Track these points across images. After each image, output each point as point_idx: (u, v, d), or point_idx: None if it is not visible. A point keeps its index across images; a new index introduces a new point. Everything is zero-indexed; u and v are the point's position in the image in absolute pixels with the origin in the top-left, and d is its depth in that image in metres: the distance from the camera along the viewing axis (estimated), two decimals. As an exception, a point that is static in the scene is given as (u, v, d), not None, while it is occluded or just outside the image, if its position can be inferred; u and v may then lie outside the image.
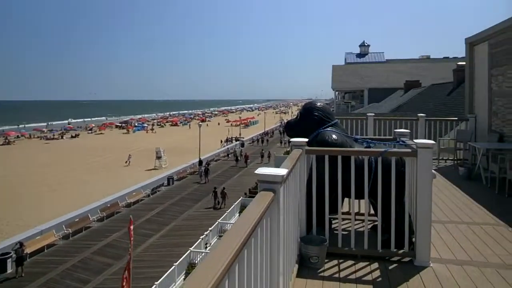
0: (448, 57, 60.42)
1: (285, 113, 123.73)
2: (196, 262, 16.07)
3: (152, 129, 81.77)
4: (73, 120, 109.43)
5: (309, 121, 4.30)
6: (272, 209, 2.26)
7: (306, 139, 3.92)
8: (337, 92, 51.67)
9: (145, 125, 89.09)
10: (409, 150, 3.70)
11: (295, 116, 4.62)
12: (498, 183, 6.37)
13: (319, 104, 4.41)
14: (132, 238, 13.06)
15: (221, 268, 1.31)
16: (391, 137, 5.10)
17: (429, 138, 9.37)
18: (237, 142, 56.09)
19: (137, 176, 34.85)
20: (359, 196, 3.94)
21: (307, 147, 3.82)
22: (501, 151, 7.04)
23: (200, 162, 36.57)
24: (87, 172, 38.05)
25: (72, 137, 70.15)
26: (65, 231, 20.97)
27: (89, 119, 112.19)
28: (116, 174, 36.87)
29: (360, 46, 68.10)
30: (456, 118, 9.75)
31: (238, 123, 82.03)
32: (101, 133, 77.45)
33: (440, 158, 9.22)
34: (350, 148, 4.13)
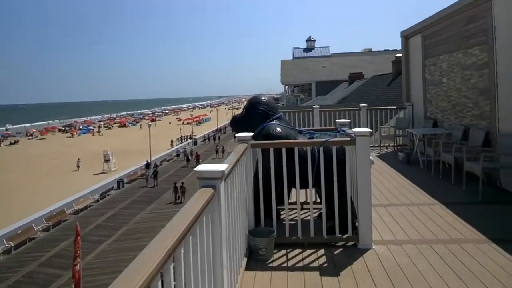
0: (388, 50, 63.59)
1: (237, 109, 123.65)
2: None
3: (98, 132, 78.30)
4: (12, 126, 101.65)
5: (254, 115, 4.36)
6: (212, 205, 2.24)
7: (251, 133, 3.98)
8: (286, 86, 52.72)
9: (91, 127, 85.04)
10: (348, 138, 3.85)
11: (241, 111, 4.65)
12: (433, 165, 6.83)
13: (263, 98, 4.48)
14: (79, 246, 12.48)
15: (153, 266, 1.27)
16: (334, 127, 5.29)
17: (371, 127, 9.82)
18: (190, 140, 55.31)
19: (85, 181, 33.28)
20: (305, 185, 4.04)
21: (252, 141, 3.86)
22: (435, 136, 7.54)
23: (148, 164, 35.05)
24: (28, 180, 35.73)
25: (11, 144, 65.43)
26: (6, 245, 19.59)
27: (29, 124, 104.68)
28: (63, 181, 34.92)
29: (306, 41, 69.67)
30: (395, 107, 10.30)
31: (190, 121, 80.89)
32: (43, 138, 72.99)
33: (382, 145, 9.71)
34: (294, 140, 4.22)
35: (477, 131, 6.34)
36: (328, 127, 6.75)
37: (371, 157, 3.74)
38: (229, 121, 4.63)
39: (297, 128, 4.60)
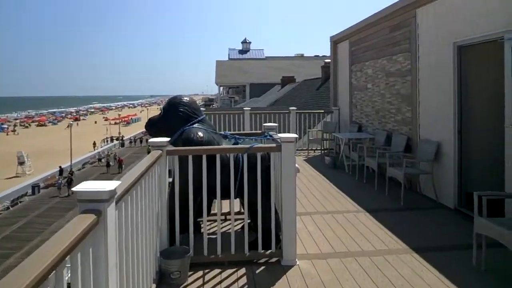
0: (318, 55, 66.16)
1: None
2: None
3: (14, 131, 71.02)
4: None
5: (173, 117, 3.87)
6: (95, 235, 1.74)
7: (168, 138, 3.51)
8: (221, 87, 52.30)
9: (5, 126, 76.87)
10: (273, 145, 3.54)
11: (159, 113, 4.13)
12: (358, 170, 6.86)
13: (185, 98, 4.01)
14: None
15: None
16: (261, 131, 4.98)
17: (300, 130, 9.80)
18: (116, 142, 52.15)
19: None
20: (228, 195, 3.67)
21: (168, 147, 3.37)
22: (360, 141, 7.64)
23: (61, 171, 30.99)
24: None
25: None
26: None
27: None
28: None
29: (242, 42, 69.84)
30: (323, 111, 10.41)
31: (118, 120, 76.71)
32: None
33: (310, 148, 9.71)
34: (218, 145, 3.83)
35: (399, 136, 6.47)
36: (256, 131, 6.45)
37: (297, 165, 3.48)
38: (145, 123, 4.08)
39: (222, 132, 4.20)
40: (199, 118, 3.92)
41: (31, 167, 36.40)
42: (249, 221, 3.84)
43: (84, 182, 1.86)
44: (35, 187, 28.67)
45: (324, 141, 9.34)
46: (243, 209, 3.99)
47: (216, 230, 3.99)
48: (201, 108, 10.61)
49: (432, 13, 5.69)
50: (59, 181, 28.09)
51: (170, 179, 3.67)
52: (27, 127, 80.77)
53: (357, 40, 8.88)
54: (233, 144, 3.97)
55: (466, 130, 5.09)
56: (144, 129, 3.95)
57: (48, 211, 24.17)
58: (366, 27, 8.24)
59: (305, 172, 7.29)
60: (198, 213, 3.73)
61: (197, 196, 3.51)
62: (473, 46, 4.96)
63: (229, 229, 4.14)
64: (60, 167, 31.46)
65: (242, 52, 68.30)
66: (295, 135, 3.41)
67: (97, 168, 37.46)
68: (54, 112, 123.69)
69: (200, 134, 3.71)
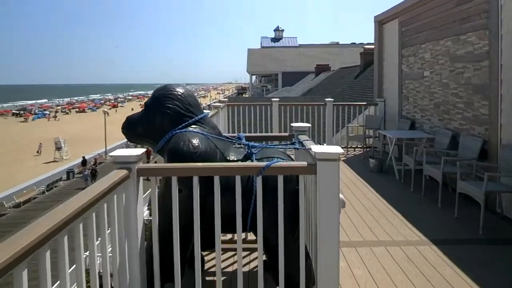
0: (355, 43, 63.37)
1: (204, 97, 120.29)
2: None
3: (55, 117, 73.30)
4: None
5: (158, 116, 2.69)
6: (127, 186, 1.96)
7: (142, 149, 2.31)
8: (254, 76, 51.12)
9: (47, 112, 79.47)
10: (303, 164, 2.27)
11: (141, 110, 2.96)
12: (413, 178, 5.48)
13: (177, 89, 2.78)
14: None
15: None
16: (287, 133, 3.71)
17: (337, 125, 8.44)
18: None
19: (33, 170, 30.26)
20: (233, 229, 2.50)
21: (141, 165, 2.22)
22: (413, 141, 6.25)
23: (84, 162, 29.96)
24: None
25: (-45, 127, 59.85)
26: None
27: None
28: (11, 169, 31.51)
29: (274, 30, 68.45)
30: (365, 103, 8.98)
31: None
32: (-8, 123, 67.44)
33: (349, 146, 8.36)
34: (220, 157, 2.64)
35: (470, 139, 5.02)
36: (281, 134, 5.11)
37: (341, 196, 2.24)
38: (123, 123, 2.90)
39: (230, 136, 2.97)
40: (197, 118, 2.73)
41: (68, 153, 36.83)
42: (265, 258, 2.68)
43: (118, 149, 2.18)
44: (69, 172, 28.86)
45: (366, 139, 7.94)
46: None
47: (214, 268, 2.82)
48: (223, 99, 9.40)
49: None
50: (86, 172, 27.48)
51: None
52: (67, 113, 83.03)
53: (410, 19, 7.37)
54: (246, 155, 2.77)
55: None
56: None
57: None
58: (422, 1, 6.73)
59: (344, 178, 6.00)
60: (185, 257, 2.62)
61: (187, 239, 2.39)
62: None
63: (235, 264, 2.98)
64: (83, 157, 30.98)
65: (274, 40, 66.93)
66: (338, 150, 2.13)
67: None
68: (94, 99, 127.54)
69: (195, 141, 2.52)
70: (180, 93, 2.75)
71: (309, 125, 3.34)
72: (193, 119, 2.70)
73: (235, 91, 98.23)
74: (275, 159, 2.65)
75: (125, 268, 2.05)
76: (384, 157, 6.75)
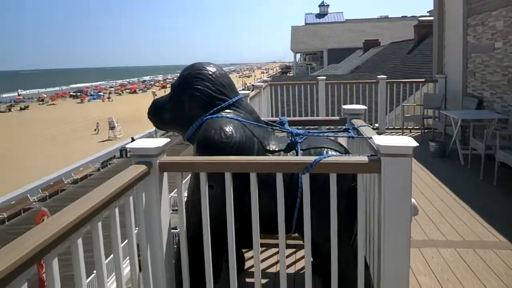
0: (406, 16, 59.66)
1: (248, 76, 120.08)
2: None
3: (109, 98, 76.95)
4: (23, 91, 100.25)
5: (186, 100, 2.32)
6: (148, 182, 1.72)
7: (164, 140, 1.92)
8: (298, 54, 49.88)
9: (101, 93, 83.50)
10: (363, 160, 1.80)
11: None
12: (482, 165, 4.80)
13: (207, 68, 2.37)
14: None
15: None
16: (338, 117, 3.22)
17: (391, 104, 7.75)
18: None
19: (89, 148, 32.02)
20: (276, 230, 2.14)
21: (164, 158, 1.88)
22: (482, 122, 5.50)
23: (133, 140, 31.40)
24: (36, 147, 34.47)
25: (21, 109, 64.65)
26: None
27: (44, 90, 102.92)
28: (68, 147, 33.45)
29: (319, 6, 66.31)
30: (423, 80, 8.15)
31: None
32: (53, 104, 72.16)
33: (404, 127, 7.65)
34: (258, 147, 2.25)
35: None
36: (331, 118, 4.54)
37: (413, 200, 1.79)
38: (150, 108, 2.58)
39: (271, 122, 2.55)
40: (230, 101, 2.34)
41: (121, 132, 38.56)
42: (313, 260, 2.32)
43: (138, 139, 1.91)
44: (123, 150, 29.94)
45: (424, 119, 7.19)
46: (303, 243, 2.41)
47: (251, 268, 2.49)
48: (266, 78, 8.85)
49: None
50: None
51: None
52: (120, 94, 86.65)
53: (479, -18, 6.44)
54: (289, 144, 2.35)
55: None
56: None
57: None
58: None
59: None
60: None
61: (222, 241, 2.05)
62: None
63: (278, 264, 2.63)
64: (132, 138, 32.00)
65: (319, 16, 64.92)
66: (411, 142, 1.64)
67: (177, 136, 38.95)
68: (144, 80, 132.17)
69: (228, 129, 2.14)
70: (210, 73, 2.35)
71: (364, 107, 2.85)
72: (227, 102, 2.32)
73: (279, 70, 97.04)
74: (325, 151, 2.23)
75: (149, 283, 1.75)
76: (446, 140, 6.04)
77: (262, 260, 2.77)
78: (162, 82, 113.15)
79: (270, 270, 2.73)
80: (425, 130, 7.17)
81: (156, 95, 41.58)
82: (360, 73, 19.67)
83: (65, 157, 29.32)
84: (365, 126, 2.44)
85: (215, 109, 2.27)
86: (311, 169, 1.72)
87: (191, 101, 2.30)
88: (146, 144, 1.82)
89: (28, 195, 20.86)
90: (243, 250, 2.83)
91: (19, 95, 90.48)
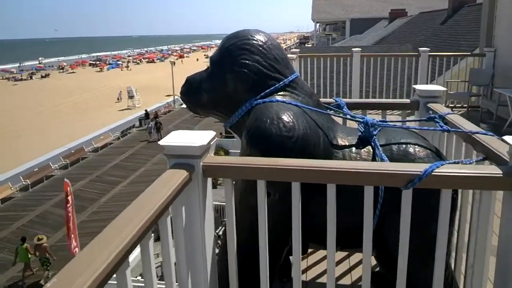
0: (434, -16, 56.62)
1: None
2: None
3: (127, 67, 77.10)
4: (45, 60, 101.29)
5: (230, 79, 1.84)
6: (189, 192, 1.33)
7: (211, 133, 1.48)
8: (318, 24, 48.20)
9: (120, 62, 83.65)
10: (495, 172, 1.28)
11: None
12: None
13: (257, 36, 1.87)
14: (69, 205, 10.89)
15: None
16: (408, 100, 2.65)
17: (432, 80, 7.11)
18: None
19: (109, 117, 32.26)
20: (346, 244, 1.76)
21: (208, 159, 1.44)
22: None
23: (147, 115, 29.48)
24: (57, 115, 35.02)
25: (42, 77, 65.83)
26: (23, 183, 18.80)
27: (63, 58, 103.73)
28: (89, 116, 33.84)
29: (342, -28, 63.20)
30: (469, 53, 7.46)
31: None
32: (73, 72, 72.99)
33: (447, 105, 7.05)
34: (324, 141, 1.74)
35: None
36: (396, 100, 3.92)
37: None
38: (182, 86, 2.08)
39: (332, 100, 2.09)
40: (286, 80, 1.83)
41: (139, 101, 38.62)
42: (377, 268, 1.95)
43: (173, 132, 1.46)
44: (141, 119, 29.97)
45: (471, 97, 6.58)
46: (378, 264, 2.01)
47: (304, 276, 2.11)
48: (293, 50, 8.13)
49: None
50: (150, 125, 27.50)
51: None
52: (138, 63, 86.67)
53: None
54: (361, 138, 1.80)
55: None
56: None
57: (154, 142, 24.20)
58: None
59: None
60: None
61: (277, 256, 1.73)
62: None
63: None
64: (146, 110, 30.90)
65: (342, -17, 62.07)
66: None
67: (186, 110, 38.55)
68: (162, 49, 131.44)
69: (287, 119, 1.65)
70: (261, 43, 1.85)
71: (444, 88, 2.36)
72: (281, 82, 1.82)
73: (297, 41, 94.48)
74: (412, 148, 1.73)
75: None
76: (499, 122, 5.48)
77: (310, 266, 2.38)
78: (179, 52, 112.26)
79: (320, 280, 2.33)
80: (470, 108, 6.57)
81: (174, 64, 41.03)
82: (387, 44, 18.65)
83: (86, 125, 29.68)
84: (452, 114, 1.96)
85: (268, 91, 1.79)
86: (419, 183, 1.27)
87: (237, 80, 1.82)
88: (186, 140, 1.38)
89: (50, 162, 21.16)
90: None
91: (40, 63, 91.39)
